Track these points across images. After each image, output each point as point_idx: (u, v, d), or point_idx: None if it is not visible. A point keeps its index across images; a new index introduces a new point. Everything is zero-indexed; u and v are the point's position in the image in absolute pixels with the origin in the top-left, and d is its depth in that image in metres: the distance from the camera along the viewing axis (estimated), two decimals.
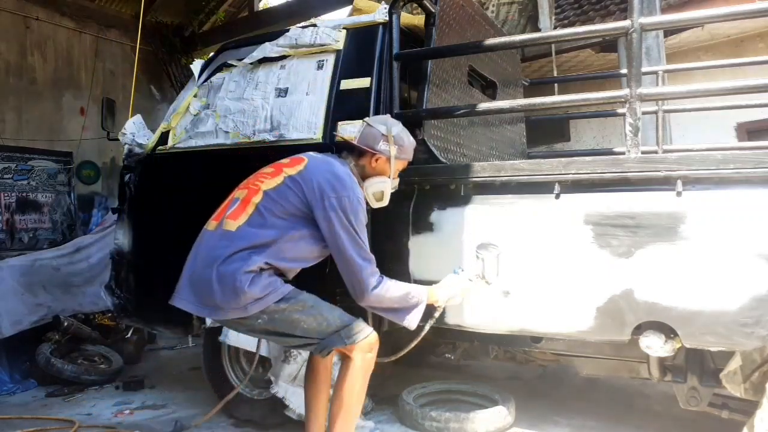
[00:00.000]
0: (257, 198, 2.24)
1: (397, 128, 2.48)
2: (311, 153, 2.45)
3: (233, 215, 2.22)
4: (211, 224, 2.32)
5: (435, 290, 2.42)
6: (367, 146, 2.41)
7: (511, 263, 2.60)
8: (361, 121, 2.51)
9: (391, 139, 2.42)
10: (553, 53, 5.83)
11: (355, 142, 2.42)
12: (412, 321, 2.33)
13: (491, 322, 2.70)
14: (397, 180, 2.55)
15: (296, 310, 2.23)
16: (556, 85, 5.42)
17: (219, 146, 3.45)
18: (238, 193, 2.32)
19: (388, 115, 2.56)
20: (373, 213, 2.94)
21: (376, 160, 2.42)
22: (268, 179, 2.28)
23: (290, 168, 2.30)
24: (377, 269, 2.30)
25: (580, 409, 3.50)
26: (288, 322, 2.23)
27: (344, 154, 2.48)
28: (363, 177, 2.43)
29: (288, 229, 2.22)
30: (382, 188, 2.45)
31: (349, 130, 3.03)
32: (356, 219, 2.23)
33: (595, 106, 4.52)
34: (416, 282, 2.65)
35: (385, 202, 2.50)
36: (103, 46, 8.40)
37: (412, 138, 2.55)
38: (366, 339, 2.28)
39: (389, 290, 2.27)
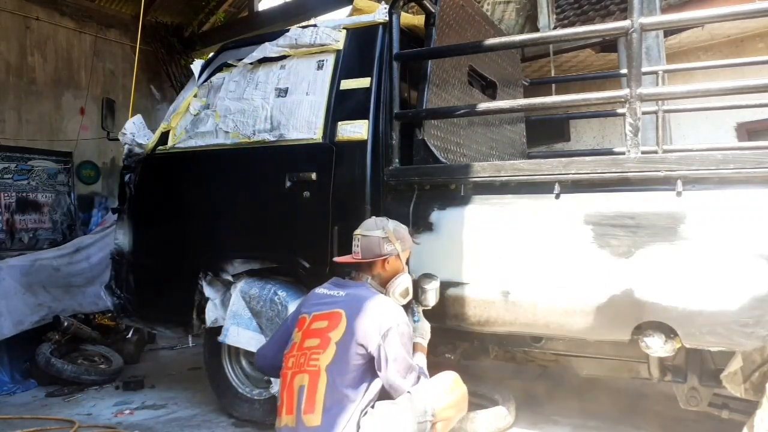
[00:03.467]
0: (322, 379, 2.13)
1: (390, 224, 2.47)
2: (338, 297, 2.32)
3: (308, 408, 2.11)
4: (284, 421, 2.19)
5: (422, 344, 2.53)
6: (375, 256, 2.39)
7: (511, 263, 2.61)
8: (353, 235, 2.48)
9: (391, 236, 2.41)
10: (551, 53, 5.83)
11: (360, 260, 2.40)
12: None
13: (491, 322, 2.70)
14: (408, 270, 2.55)
15: None
16: (554, 85, 5.42)
17: (219, 146, 3.45)
18: (297, 379, 2.18)
19: (372, 217, 2.55)
20: (372, 213, 2.95)
21: (387, 262, 2.41)
22: (321, 354, 2.17)
23: (334, 332, 2.20)
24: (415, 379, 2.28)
25: (580, 409, 3.49)
26: None
27: (354, 274, 2.45)
28: (383, 284, 2.42)
29: (364, 386, 2.18)
30: (405, 285, 2.46)
31: (349, 130, 3.05)
32: (407, 343, 2.26)
33: (595, 106, 4.52)
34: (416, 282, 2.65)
35: (411, 296, 2.52)
36: (102, 46, 8.40)
37: (403, 225, 2.56)
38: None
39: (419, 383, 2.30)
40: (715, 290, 2.25)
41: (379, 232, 2.40)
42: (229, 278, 3.37)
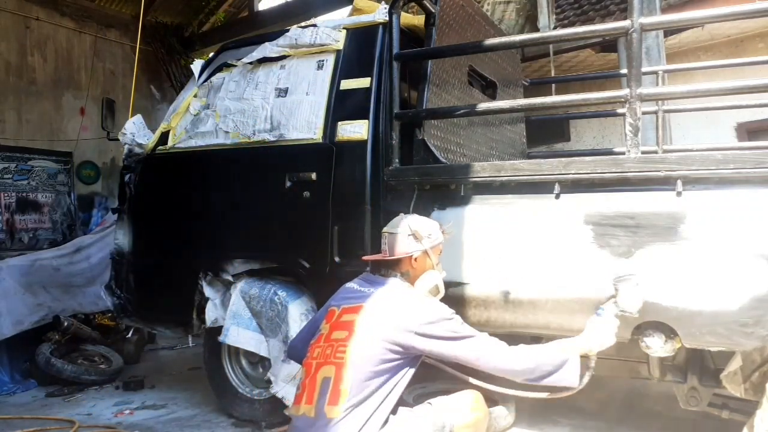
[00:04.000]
0: (349, 372, 2.09)
1: (415, 221, 2.42)
2: (368, 293, 2.27)
3: (333, 400, 2.06)
4: (303, 410, 2.13)
5: (584, 340, 2.28)
6: (401, 254, 2.35)
7: (511, 263, 2.60)
8: (382, 232, 2.42)
9: (417, 234, 2.37)
10: (551, 53, 5.83)
11: (387, 257, 2.37)
12: (564, 379, 2.21)
13: (491, 322, 2.70)
14: (440, 267, 2.47)
15: None
16: (553, 85, 5.42)
17: (219, 146, 3.45)
18: (323, 370, 2.13)
19: (401, 214, 2.48)
20: (372, 213, 2.95)
21: (415, 260, 2.37)
22: (348, 346, 2.13)
23: (362, 325, 2.16)
24: (495, 342, 2.21)
25: (580, 409, 3.49)
26: None
27: (384, 271, 2.40)
28: (412, 281, 2.38)
29: (391, 381, 2.15)
30: (434, 282, 2.40)
31: (349, 130, 3.05)
32: (447, 327, 2.18)
33: (595, 106, 4.52)
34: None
35: (442, 293, 2.44)
36: (102, 46, 8.40)
37: (431, 220, 2.48)
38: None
39: (520, 357, 2.20)
40: (715, 290, 2.25)
41: (405, 229, 2.37)
42: (229, 278, 3.37)
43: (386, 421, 2.14)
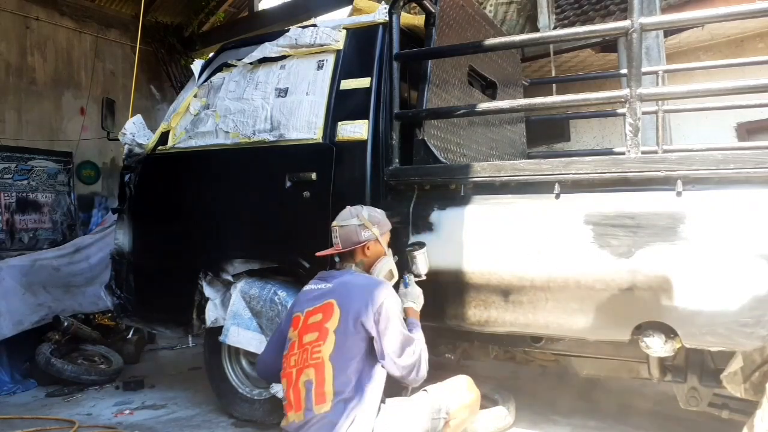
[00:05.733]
0: (328, 368, 2.15)
1: (365, 211, 2.52)
2: (327, 289, 2.34)
3: (319, 399, 2.11)
4: (291, 418, 2.18)
5: (413, 310, 2.55)
6: (354, 244, 2.44)
7: (511, 263, 2.60)
8: (332, 227, 2.50)
9: (366, 223, 2.46)
10: (552, 53, 5.83)
11: (340, 250, 2.46)
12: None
13: (491, 322, 2.70)
14: (390, 252, 2.59)
15: None
16: (554, 85, 5.42)
17: (219, 146, 3.45)
18: (303, 375, 2.17)
19: (347, 207, 2.57)
20: None
21: (368, 248, 2.47)
22: (322, 345, 2.18)
23: (330, 321, 2.22)
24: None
25: (580, 409, 3.49)
26: None
27: (339, 265, 2.50)
28: (366, 269, 2.48)
29: (371, 369, 2.21)
30: (388, 267, 2.53)
31: (349, 130, 3.05)
32: (398, 312, 2.31)
33: (595, 106, 4.52)
34: (416, 282, 2.66)
35: (396, 277, 2.56)
36: (103, 46, 8.40)
37: (377, 209, 2.60)
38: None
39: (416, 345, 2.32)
40: (715, 290, 2.25)
41: (355, 221, 2.46)
42: (229, 278, 3.37)
43: (379, 410, 2.18)
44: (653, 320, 2.38)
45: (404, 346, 2.23)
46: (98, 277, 5.00)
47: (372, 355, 2.21)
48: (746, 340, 2.23)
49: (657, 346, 2.41)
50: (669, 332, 2.38)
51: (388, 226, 2.57)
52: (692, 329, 2.31)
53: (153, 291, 3.73)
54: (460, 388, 2.36)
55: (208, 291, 3.44)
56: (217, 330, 3.35)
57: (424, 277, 2.66)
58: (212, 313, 3.40)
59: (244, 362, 3.51)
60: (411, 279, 2.63)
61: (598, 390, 3.79)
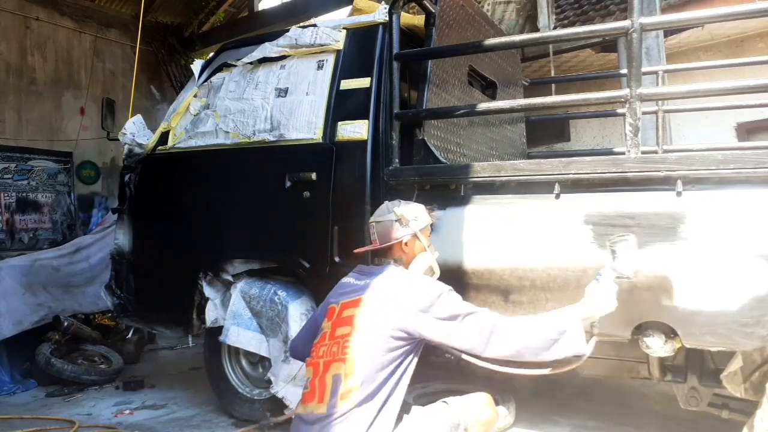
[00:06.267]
0: (358, 365, 2.09)
1: (400, 205, 2.44)
2: (364, 285, 2.26)
3: (345, 394, 2.06)
4: (311, 408, 2.11)
5: (585, 306, 2.18)
6: (391, 240, 2.37)
7: (511, 263, 2.60)
8: (369, 223, 2.44)
9: (403, 218, 2.38)
10: (551, 53, 5.83)
11: (378, 246, 2.38)
12: (571, 348, 2.12)
13: None
14: (432, 248, 2.48)
15: None
16: (553, 85, 5.42)
17: (219, 146, 3.45)
18: (332, 368, 2.12)
19: (385, 202, 2.49)
20: (372, 213, 2.94)
21: (406, 245, 2.38)
22: (354, 340, 2.12)
23: (364, 318, 2.16)
24: (500, 317, 2.17)
25: (580, 409, 3.50)
26: None
27: (377, 261, 2.42)
28: (406, 266, 2.39)
29: (399, 369, 2.15)
30: (428, 264, 2.42)
31: (349, 130, 3.05)
32: (447, 304, 2.16)
33: (595, 106, 4.52)
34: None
35: (437, 273, 2.45)
36: (103, 46, 8.40)
37: (416, 203, 2.50)
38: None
39: (514, 329, 2.15)
40: (715, 290, 2.24)
41: (392, 216, 2.39)
42: (229, 278, 3.37)
43: (400, 419, 2.15)
44: (653, 320, 2.38)
45: (454, 327, 2.11)
46: (98, 277, 5.00)
47: (401, 357, 2.16)
48: (746, 340, 2.23)
49: (657, 346, 2.41)
50: (669, 332, 2.38)
51: (427, 221, 2.47)
52: (692, 329, 2.31)
53: (153, 291, 3.73)
54: (479, 405, 2.30)
55: (208, 291, 3.44)
56: (217, 330, 3.35)
57: (631, 277, 2.20)
58: (212, 313, 3.40)
59: (244, 362, 3.51)
60: (607, 276, 2.18)
61: (598, 390, 3.79)
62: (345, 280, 2.38)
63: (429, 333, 2.13)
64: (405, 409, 2.21)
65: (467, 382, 3.71)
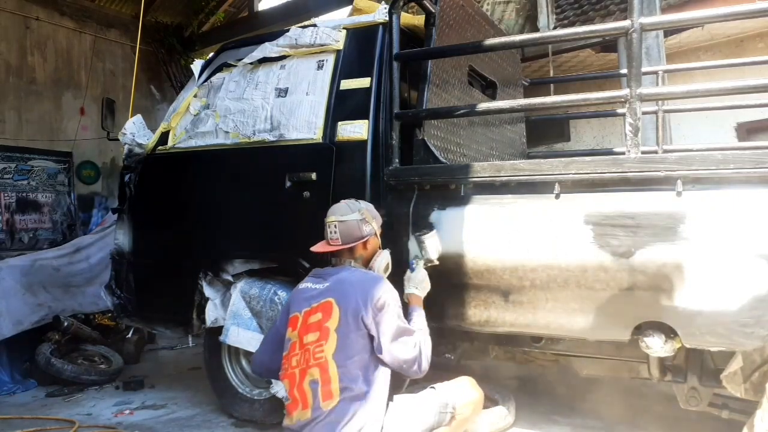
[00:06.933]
0: (332, 367, 2.14)
1: (362, 204, 2.49)
2: (325, 288, 2.31)
3: (326, 396, 2.11)
4: (297, 417, 2.16)
5: (415, 296, 2.53)
6: (356, 239, 2.40)
7: (511, 263, 2.60)
8: (327, 223, 2.44)
9: (368, 216, 2.43)
10: (550, 54, 5.83)
11: (341, 246, 2.40)
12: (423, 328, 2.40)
13: (491, 322, 2.70)
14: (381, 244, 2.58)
15: None
16: (553, 85, 5.42)
17: (219, 146, 3.45)
18: (308, 375, 2.16)
19: (342, 201, 2.53)
20: None
21: (368, 243, 2.44)
22: (324, 345, 2.17)
23: (330, 320, 2.20)
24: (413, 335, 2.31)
25: (580, 409, 3.50)
26: None
27: (335, 261, 2.45)
28: (365, 264, 2.45)
29: (375, 366, 2.21)
30: (386, 260, 2.50)
31: (349, 130, 3.05)
32: (397, 308, 2.28)
33: (595, 106, 4.52)
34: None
35: (390, 270, 2.52)
36: (102, 46, 8.40)
37: (367, 202, 2.60)
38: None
39: (427, 344, 2.33)
40: (715, 290, 2.25)
41: (356, 215, 2.41)
42: (229, 278, 3.37)
43: (387, 406, 2.20)
44: (653, 320, 2.38)
45: (401, 339, 2.21)
46: (98, 277, 5.00)
47: (372, 349, 2.21)
48: (746, 340, 2.23)
49: (657, 346, 2.41)
50: (669, 332, 2.38)
51: (380, 219, 2.57)
52: (692, 329, 2.31)
53: (153, 291, 3.73)
54: (466, 387, 2.39)
55: (208, 291, 3.44)
56: (217, 330, 3.35)
57: (436, 262, 2.64)
58: (212, 313, 3.40)
59: (244, 362, 3.51)
60: (419, 264, 2.61)
61: (598, 390, 3.79)
62: (302, 285, 2.40)
63: (371, 325, 2.19)
64: (392, 399, 2.27)
65: None
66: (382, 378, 2.20)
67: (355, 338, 2.17)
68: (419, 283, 2.56)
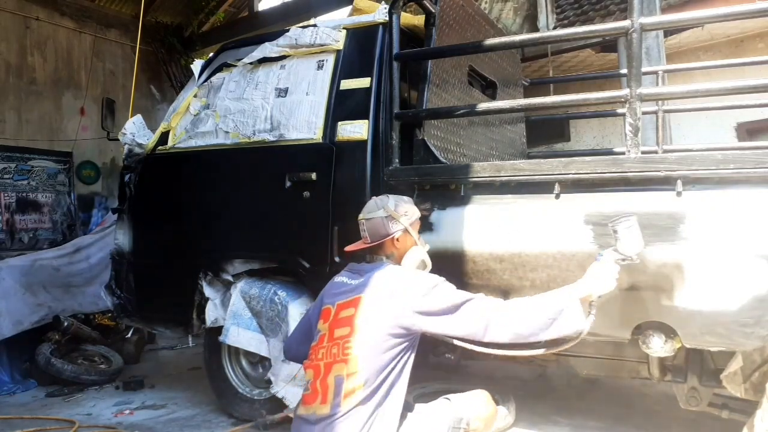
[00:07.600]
0: (359, 364, 2.09)
1: (389, 200, 2.43)
2: (358, 283, 2.25)
3: (348, 393, 2.06)
4: (314, 409, 2.11)
5: (585, 285, 2.15)
6: (382, 237, 2.35)
7: (511, 263, 2.60)
8: (359, 220, 2.40)
9: (393, 214, 2.37)
10: (549, 54, 5.83)
11: (369, 245, 2.36)
12: (568, 325, 2.08)
13: None
14: (422, 240, 2.49)
15: None
16: (553, 85, 5.43)
17: (219, 146, 3.46)
18: (334, 369, 2.11)
19: (372, 198, 2.48)
20: None
21: (397, 240, 2.37)
22: (354, 341, 2.12)
23: (362, 317, 2.15)
24: (496, 301, 2.17)
25: (580, 409, 3.50)
26: None
27: (369, 258, 2.40)
28: (398, 261, 2.38)
29: (400, 365, 2.16)
30: (420, 257, 2.41)
31: (349, 130, 3.05)
32: (442, 296, 2.16)
33: (595, 106, 4.52)
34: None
35: (429, 266, 2.44)
36: (102, 46, 8.40)
37: (405, 196, 2.50)
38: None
39: (512, 312, 2.13)
40: (715, 290, 2.24)
41: (381, 212, 2.37)
42: (229, 278, 3.37)
43: (404, 416, 2.17)
44: (653, 320, 2.39)
45: (455, 314, 2.10)
46: (98, 277, 5.00)
47: (401, 353, 2.16)
48: (746, 340, 2.23)
49: (657, 346, 2.41)
50: (669, 332, 2.38)
51: (417, 214, 2.46)
52: (692, 329, 2.31)
53: (153, 291, 3.73)
54: (480, 401, 2.33)
55: (208, 291, 3.44)
56: (217, 330, 3.36)
57: (635, 259, 2.16)
58: (212, 313, 3.41)
59: (244, 362, 3.52)
60: (608, 257, 2.15)
61: (598, 390, 3.79)
62: (338, 279, 2.37)
63: (428, 326, 2.13)
64: (407, 408, 2.22)
65: (466, 382, 3.71)
66: (403, 383, 2.17)
67: (384, 337, 2.12)
68: (595, 277, 2.15)
